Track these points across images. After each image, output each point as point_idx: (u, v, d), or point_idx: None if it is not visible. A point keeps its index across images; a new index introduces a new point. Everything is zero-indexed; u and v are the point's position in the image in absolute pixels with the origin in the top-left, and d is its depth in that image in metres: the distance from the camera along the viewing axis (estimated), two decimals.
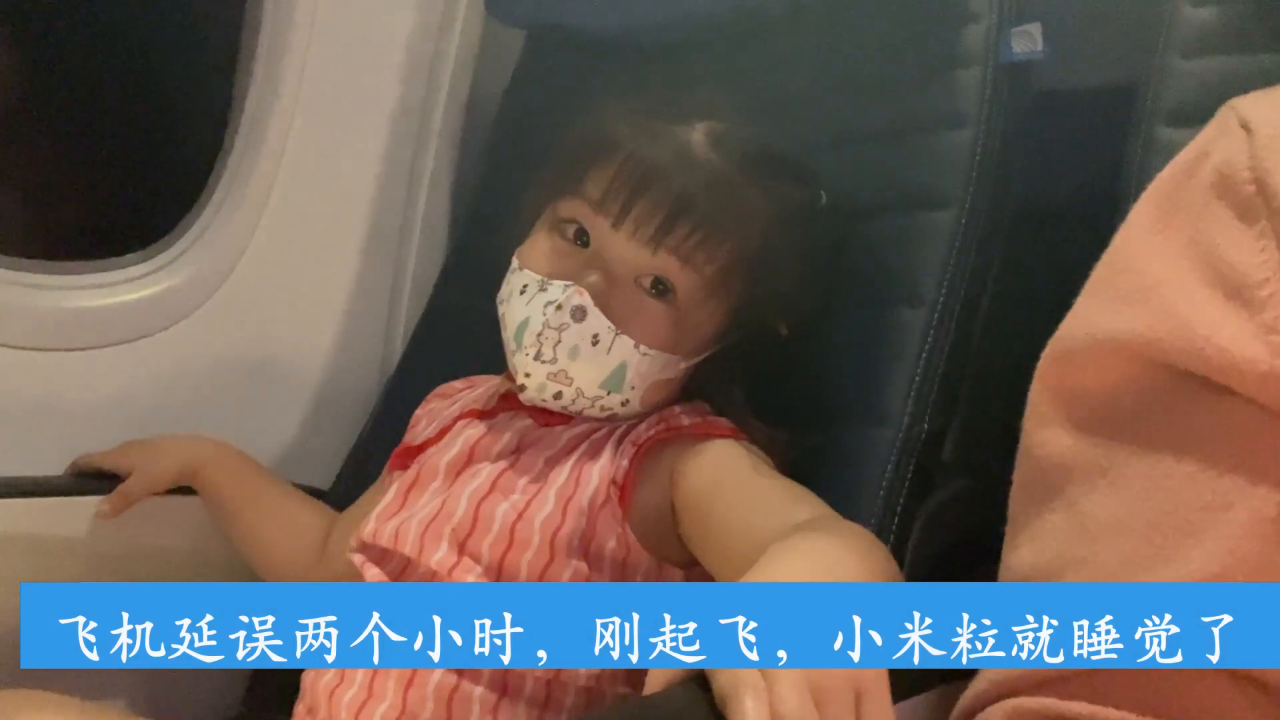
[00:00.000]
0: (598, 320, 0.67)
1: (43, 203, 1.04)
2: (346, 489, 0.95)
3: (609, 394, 0.70)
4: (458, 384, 0.83)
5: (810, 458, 0.69)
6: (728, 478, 0.66)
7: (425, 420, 0.81)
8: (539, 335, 0.68)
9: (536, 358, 0.68)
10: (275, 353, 1.00)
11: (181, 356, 0.94)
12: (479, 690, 0.65)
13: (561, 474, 0.68)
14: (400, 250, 1.06)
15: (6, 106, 1.01)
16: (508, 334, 0.70)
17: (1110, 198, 0.65)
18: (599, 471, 0.68)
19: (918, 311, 0.72)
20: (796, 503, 0.62)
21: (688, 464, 0.68)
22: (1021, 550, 0.48)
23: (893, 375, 0.71)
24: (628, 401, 0.71)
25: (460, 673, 0.65)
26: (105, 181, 1.05)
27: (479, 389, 0.80)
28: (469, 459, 0.72)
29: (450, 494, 0.70)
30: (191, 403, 0.94)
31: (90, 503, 0.85)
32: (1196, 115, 0.60)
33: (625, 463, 0.68)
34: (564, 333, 0.67)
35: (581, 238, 0.70)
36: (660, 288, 0.69)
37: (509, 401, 0.75)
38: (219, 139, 0.97)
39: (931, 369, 0.71)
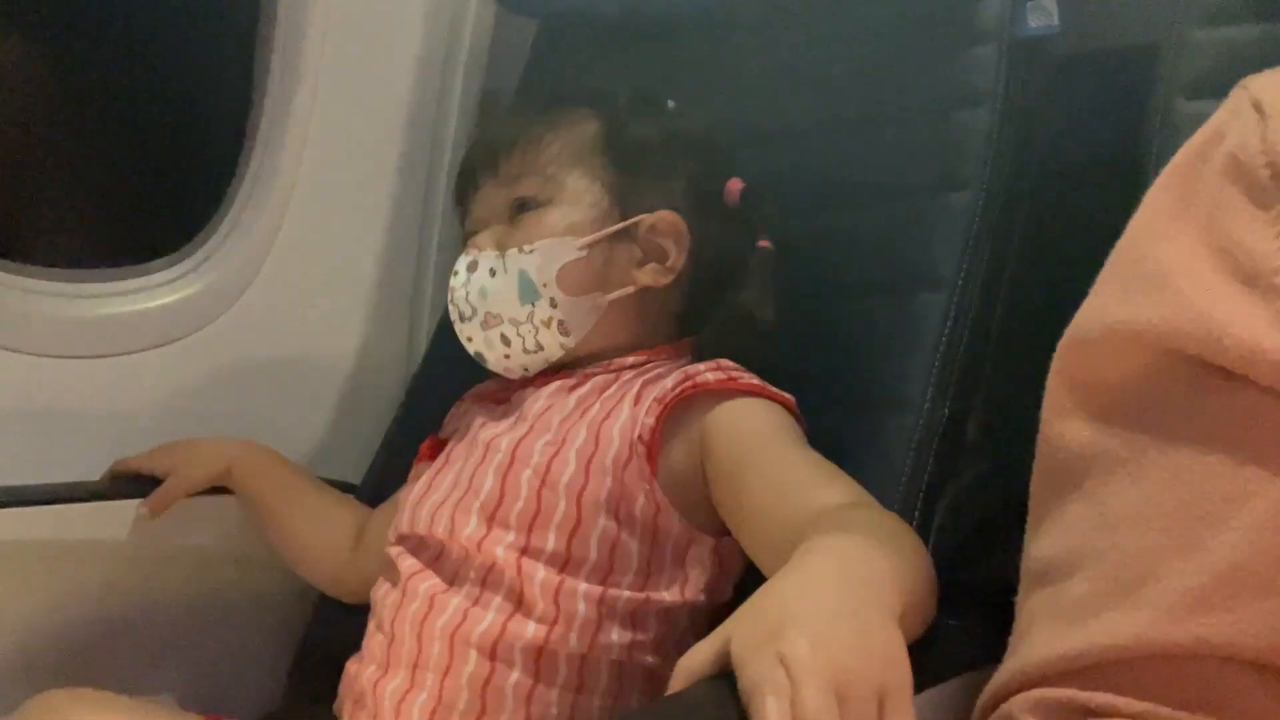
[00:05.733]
0: (486, 259, 0.75)
1: (68, 212, 1.05)
2: (377, 482, 0.96)
3: (534, 305, 0.73)
4: (493, 384, 0.84)
5: (832, 443, 0.68)
6: (763, 446, 0.66)
7: (455, 419, 0.83)
8: (455, 302, 0.76)
9: (462, 319, 0.76)
10: (303, 351, 1.01)
11: (212, 359, 0.95)
12: (513, 678, 0.66)
13: (579, 434, 0.69)
14: (421, 245, 1.06)
15: (34, 119, 1.02)
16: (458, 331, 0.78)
17: (1132, 163, 0.64)
18: (619, 430, 0.68)
19: (937, 295, 0.72)
20: (831, 483, 0.63)
21: (718, 424, 0.68)
22: (1042, 540, 0.48)
23: (913, 360, 0.71)
24: (563, 323, 0.73)
25: (493, 661, 0.66)
26: (129, 189, 1.06)
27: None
28: (481, 435, 0.74)
29: (476, 472, 0.71)
30: (223, 404, 0.96)
31: (129, 505, 0.86)
32: (1216, 87, 0.59)
33: (651, 421, 0.68)
34: (469, 286, 0.75)
35: (464, 223, 0.80)
36: (521, 205, 0.75)
37: (516, 385, 0.78)
38: (240, 144, 0.98)
39: (952, 352, 0.71)
